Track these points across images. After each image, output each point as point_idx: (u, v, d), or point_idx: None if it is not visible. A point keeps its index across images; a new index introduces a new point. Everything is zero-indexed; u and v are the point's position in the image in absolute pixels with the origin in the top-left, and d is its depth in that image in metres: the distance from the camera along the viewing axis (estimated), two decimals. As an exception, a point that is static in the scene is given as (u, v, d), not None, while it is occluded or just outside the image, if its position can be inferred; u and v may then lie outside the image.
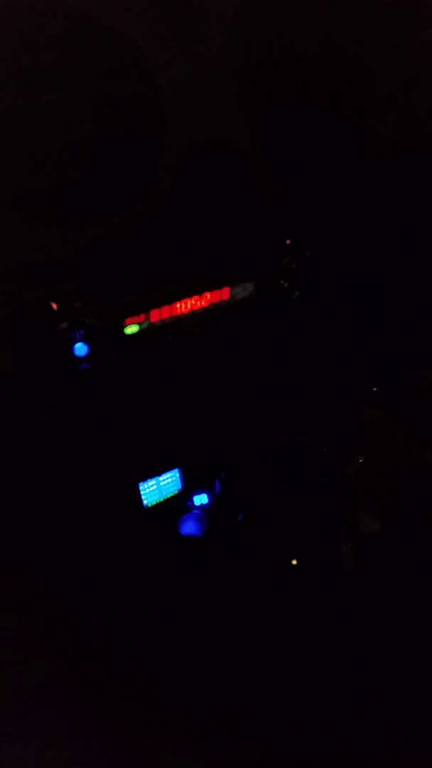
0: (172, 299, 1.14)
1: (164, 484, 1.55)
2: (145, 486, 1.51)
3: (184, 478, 1.58)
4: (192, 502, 1.62)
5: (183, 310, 1.16)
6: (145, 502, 1.53)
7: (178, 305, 1.15)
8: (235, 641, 1.39)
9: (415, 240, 1.36)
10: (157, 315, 1.14)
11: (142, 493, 1.51)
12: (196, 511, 1.60)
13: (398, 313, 1.48)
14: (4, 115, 0.85)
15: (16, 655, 1.18)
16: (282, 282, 1.27)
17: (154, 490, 1.53)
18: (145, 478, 1.50)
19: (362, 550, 1.53)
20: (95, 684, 1.23)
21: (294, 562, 1.54)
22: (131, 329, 1.12)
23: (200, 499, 1.62)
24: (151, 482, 1.52)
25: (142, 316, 1.12)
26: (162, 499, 1.57)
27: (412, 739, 1.18)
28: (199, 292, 1.16)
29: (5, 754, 1.08)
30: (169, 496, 1.58)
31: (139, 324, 1.12)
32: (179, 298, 1.14)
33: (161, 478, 1.53)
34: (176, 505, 1.60)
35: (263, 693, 1.29)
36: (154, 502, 1.55)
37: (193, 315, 1.18)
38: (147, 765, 1.15)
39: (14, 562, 1.23)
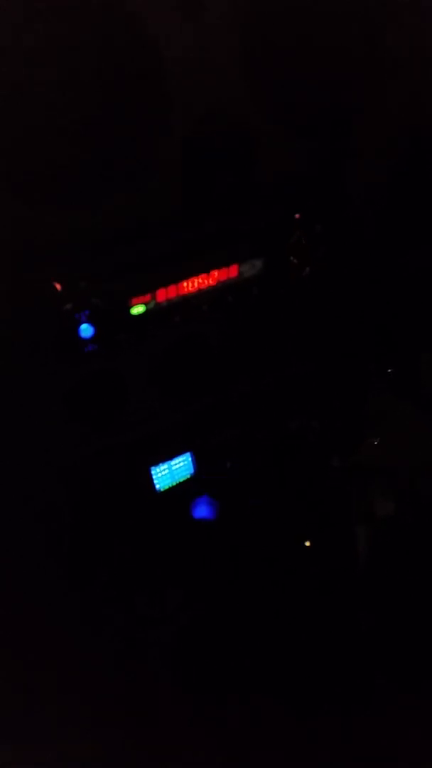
0: (178, 278, 1.11)
1: (176, 468, 1.54)
2: (157, 470, 1.50)
3: (197, 461, 1.57)
4: (204, 486, 1.61)
5: (190, 289, 1.14)
6: (157, 486, 1.52)
7: (185, 284, 1.12)
8: (246, 629, 1.37)
9: (429, 216, 1.32)
10: (164, 294, 1.11)
11: (154, 477, 1.50)
12: (208, 495, 1.59)
13: (411, 292, 1.44)
14: (6, 93, 0.84)
15: (18, 645, 1.17)
16: (292, 258, 1.24)
17: (166, 474, 1.52)
18: (156, 463, 1.49)
19: (377, 533, 1.51)
20: (96, 680, 1.22)
21: (307, 543, 1.52)
22: (137, 309, 1.10)
23: (212, 484, 1.61)
24: (163, 466, 1.51)
25: (148, 296, 1.10)
26: (174, 483, 1.56)
27: (426, 742, 1.14)
28: (206, 270, 1.13)
29: (6, 749, 1.08)
30: (181, 480, 1.57)
31: (146, 304, 1.10)
32: (186, 277, 1.12)
33: (173, 462, 1.52)
34: (189, 489, 1.59)
35: (272, 689, 1.27)
36: (166, 487, 1.54)
37: (201, 294, 1.15)
38: (151, 762, 1.13)
39: (22, 551, 1.22)
